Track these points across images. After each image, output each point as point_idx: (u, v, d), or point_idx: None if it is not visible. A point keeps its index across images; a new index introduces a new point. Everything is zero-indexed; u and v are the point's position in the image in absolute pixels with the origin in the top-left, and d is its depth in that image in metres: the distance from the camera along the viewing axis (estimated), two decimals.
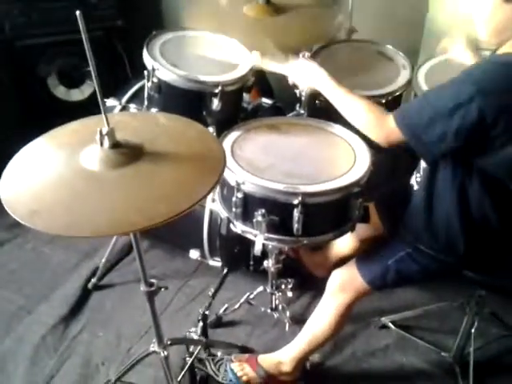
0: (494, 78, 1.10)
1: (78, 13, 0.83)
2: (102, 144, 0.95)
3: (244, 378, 1.57)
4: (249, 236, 1.38)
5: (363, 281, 1.39)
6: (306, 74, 1.44)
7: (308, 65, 1.45)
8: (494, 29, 1.16)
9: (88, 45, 0.85)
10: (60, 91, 2.65)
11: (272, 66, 1.54)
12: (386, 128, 1.20)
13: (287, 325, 1.78)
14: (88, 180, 0.94)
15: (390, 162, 1.86)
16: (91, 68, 0.88)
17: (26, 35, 2.42)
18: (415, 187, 1.38)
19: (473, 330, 1.58)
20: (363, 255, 1.46)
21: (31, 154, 1.02)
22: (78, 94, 2.68)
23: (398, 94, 1.73)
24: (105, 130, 0.94)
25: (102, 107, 0.94)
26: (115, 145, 0.96)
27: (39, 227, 0.85)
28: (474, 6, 1.17)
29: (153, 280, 1.21)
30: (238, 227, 1.40)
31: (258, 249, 1.34)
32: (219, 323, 1.83)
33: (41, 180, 0.95)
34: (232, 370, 1.57)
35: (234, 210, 1.36)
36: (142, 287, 1.20)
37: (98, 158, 0.95)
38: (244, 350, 1.71)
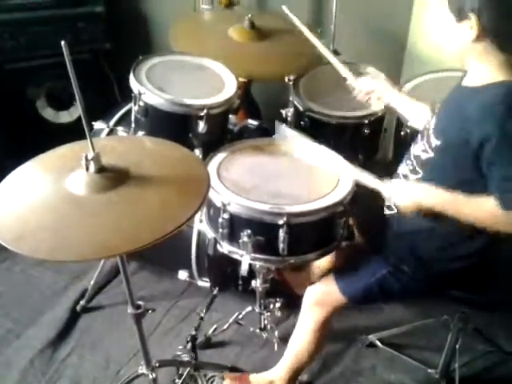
0: None
1: (62, 43, 0.86)
2: (87, 169, 0.97)
3: None
4: (235, 256, 1.40)
5: (342, 295, 1.39)
6: (407, 194, 1.25)
7: (407, 184, 1.30)
8: (452, 50, 1.19)
9: (73, 71, 0.88)
10: (49, 113, 2.66)
11: (369, 181, 1.35)
12: None
13: (276, 344, 1.78)
14: (73, 204, 0.95)
15: None
16: (76, 95, 0.90)
17: (15, 59, 2.45)
18: (390, 211, 1.39)
19: (457, 346, 1.59)
20: (342, 270, 1.45)
21: (18, 178, 1.04)
22: (67, 117, 2.70)
23: (380, 115, 1.78)
24: (90, 155, 0.96)
25: (87, 133, 0.96)
26: (101, 169, 0.98)
27: (25, 252, 0.86)
28: (438, 32, 1.21)
29: (140, 302, 1.22)
30: (225, 247, 1.41)
31: (244, 269, 1.36)
32: (208, 344, 1.83)
33: (27, 205, 0.96)
34: None
35: (220, 230, 1.38)
36: (130, 310, 1.21)
37: (83, 183, 0.97)
38: (233, 370, 1.71)
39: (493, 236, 1.16)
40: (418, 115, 1.47)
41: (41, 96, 2.61)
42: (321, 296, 1.44)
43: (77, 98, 0.91)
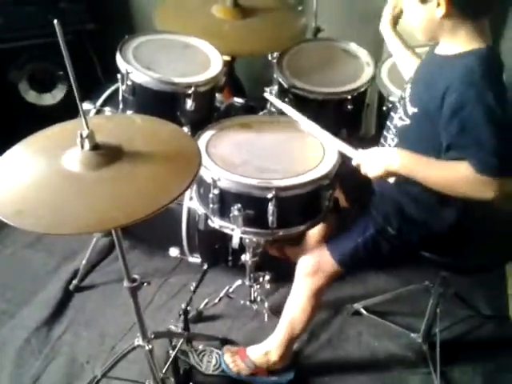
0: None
1: (55, 21, 0.87)
2: (82, 146, 0.99)
3: (235, 369, 1.64)
4: (226, 230, 1.44)
5: (333, 260, 1.43)
6: (376, 159, 1.26)
7: (381, 151, 1.30)
8: (420, 29, 1.21)
9: (66, 51, 0.89)
10: (31, 96, 2.65)
11: (342, 147, 1.38)
12: (495, 187, 1.10)
13: (266, 316, 1.84)
14: (70, 181, 0.98)
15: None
16: (70, 74, 0.92)
17: None
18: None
19: (438, 311, 1.66)
20: (334, 237, 1.49)
21: (14, 157, 1.06)
22: (50, 99, 2.69)
23: (362, 90, 1.82)
24: (85, 132, 0.98)
25: (81, 111, 0.99)
26: (95, 147, 1.00)
27: (25, 226, 0.89)
28: (405, 7, 1.24)
29: (135, 276, 1.25)
30: (216, 222, 1.45)
31: (235, 242, 1.41)
32: (200, 318, 1.88)
33: (24, 182, 0.99)
34: (225, 361, 1.64)
35: (211, 206, 1.42)
36: (125, 283, 1.24)
37: (78, 160, 1.00)
38: (225, 342, 1.77)
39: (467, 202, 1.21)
40: (407, 66, 1.51)
41: (23, 78, 2.59)
42: (313, 264, 1.47)
43: (70, 76, 0.94)
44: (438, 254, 1.42)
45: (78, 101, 0.96)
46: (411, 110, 1.25)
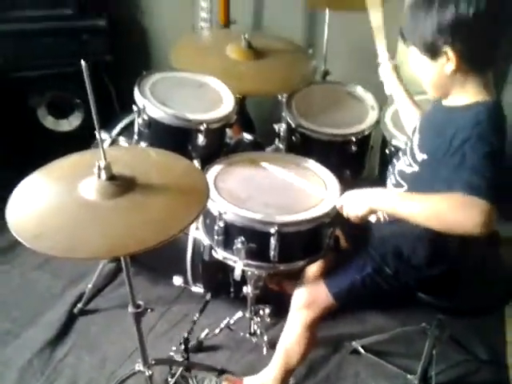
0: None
1: (83, 63, 0.95)
2: (99, 176, 1.06)
3: None
4: (229, 262, 1.49)
5: (329, 293, 1.45)
6: (357, 200, 1.30)
7: (359, 192, 1.33)
8: (432, 85, 1.25)
9: (91, 89, 0.97)
10: (49, 121, 2.76)
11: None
12: (483, 210, 1.06)
13: (265, 349, 1.86)
14: (86, 208, 1.05)
15: None
16: (92, 108, 1.00)
17: (19, 68, 2.54)
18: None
19: (434, 353, 1.68)
20: (331, 272, 1.52)
21: (34, 183, 1.13)
22: (66, 125, 2.79)
23: (366, 133, 1.89)
24: (102, 163, 1.05)
25: (100, 143, 1.06)
26: (111, 177, 1.07)
27: (42, 249, 0.95)
28: (414, 66, 1.27)
29: (140, 302, 1.30)
30: (220, 254, 1.51)
31: (237, 274, 1.45)
32: (200, 347, 1.90)
33: (43, 208, 1.05)
34: None
35: (215, 237, 1.48)
36: (130, 308, 1.29)
37: (95, 189, 1.06)
38: (223, 372, 1.79)
39: (463, 242, 1.25)
40: (408, 115, 1.57)
41: (42, 105, 2.70)
42: (308, 297, 1.50)
43: (92, 111, 1.01)
44: (435, 295, 1.45)
45: (98, 135, 1.04)
46: (420, 156, 1.29)
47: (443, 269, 1.41)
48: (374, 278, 1.44)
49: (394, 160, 1.44)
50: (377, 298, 1.53)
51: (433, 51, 1.18)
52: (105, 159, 1.06)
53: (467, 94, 1.21)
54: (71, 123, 2.79)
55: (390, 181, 1.42)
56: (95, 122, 1.04)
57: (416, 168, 1.31)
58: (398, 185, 1.38)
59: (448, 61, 1.16)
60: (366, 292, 1.45)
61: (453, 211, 1.09)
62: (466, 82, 1.20)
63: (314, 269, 1.74)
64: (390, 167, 1.46)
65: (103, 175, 1.06)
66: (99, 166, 1.05)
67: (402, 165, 1.37)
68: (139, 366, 1.42)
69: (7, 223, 1.00)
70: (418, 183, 1.31)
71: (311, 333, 1.53)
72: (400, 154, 1.43)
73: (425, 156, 1.28)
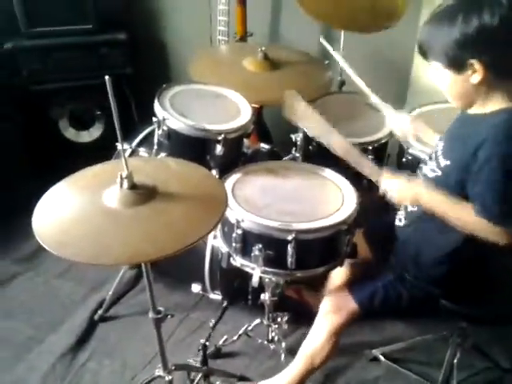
0: None
1: (106, 78, 1.00)
2: (121, 186, 1.10)
3: None
4: (247, 269, 1.52)
5: (353, 301, 1.49)
6: (407, 189, 1.38)
7: (407, 180, 1.39)
8: (457, 97, 1.27)
9: (115, 103, 1.01)
10: (70, 133, 2.83)
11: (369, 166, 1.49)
12: (503, 237, 1.21)
13: (283, 356, 1.86)
14: (109, 216, 1.08)
15: (376, 201, 2.00)
16: (116, 122, 1.04)
17: (41, 81, 2.62)
18: (401, 224, 1.52)
19: (455, 362, 1.67)
20: (355, 280, 1.58)
21: (58, 193, 1.17)
22: (87, 136, 2.87)
23: (383, 141, 1.91)
24: (124, 173, 1.09)
25: (122, 154, 1.10)
26: (133, 186, 1.11)
27: (68, 256, 0.99)
28: (436, 79, 1.28)
29: (160, 308, 1.33)
30: (238, 261, 1.53)
31: (255, 281, 1.48)
32: (218, 354, 1.92)
33: (68, 216, 1.09)
34: None
35: (233, 245, 1.50)
36: (151, 314, 1.32)
37: (117, 198, 1.10)
38: (242, 379, 1.81)
39: (486, 247, 1.25)
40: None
41: (64, 116, 2.78)
42: (335, 303, 1.54)
43: (116, 124, 1.05)
44: (458, 303, 1.45)
45: (120, 146, 1.08)
46: (444, 162, 1.32)
47: (465, 277, 1.41)
48: (395, 286, 1.46)
49: (422, 164, 1.48)
50: (400, 307, 1.53)
51: (458, 64, 1.18)
52: (127, 169, 1.10)
53: (492, 103, 1.23)
54: (92, 134, 2.87)
55: None
56: (118, 134, 1.08)
57: (439, 173, 1.34)
58: None
59: (474, 73, 1.17)
60: (388, 299, 1.47)
61: (479, 232, 1.23)
62: (490, 91, 1.21)
63: (336, 280, 1.77)
64: (417, 171, 1.49)
65: (125, 184, 1.09)
66: (121, 176, 1.09)
67: (427, 170, 1.40)
68: (159, 371, 1.44)
69: (32, 232, 1.04)
70: (441, 188, 1.33)
71: (336, 339, 1.55)
72: (427, 159, 1.46)
73: (448, 162, 1.31)
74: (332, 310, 1.54)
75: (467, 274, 1.42)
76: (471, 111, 1.30)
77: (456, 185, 1.29)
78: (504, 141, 1.16)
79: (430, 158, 1.42)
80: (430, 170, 1.39)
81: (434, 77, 1.28)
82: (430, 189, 1.33)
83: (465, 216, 1.25)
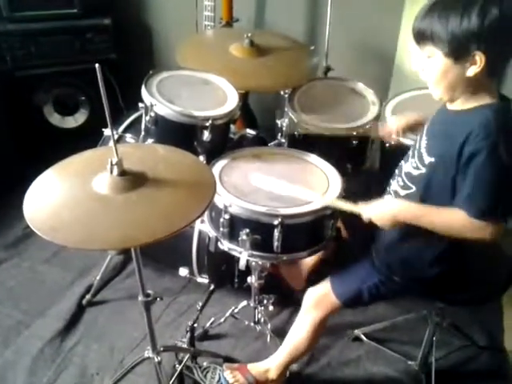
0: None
1: (97, 65, 1.01)
2: (111, 172, 1.12)
3: None
4: (234, 253, 1.55)
5: (336, 299, 1.51)
6: (383, 212, 1.35)
7: (382, 203, 1.38)
8: (446, 87, 1.22)
9: (104, 91, 1.02)
10: (55, 118, 2.82)
11: (347, 206, 1.45)
12: (492, 233, 1.21)
13: (269, 337, 1.91)
14: (99, 202, 1.10)
15: (362, 187, 2.05)
16: (106, 110, 1.05)
17: (25, 66, 2.60)
18: None
19: (434, 340, 1.73)
20: (337, 275, 1.56)
21: (49, 180, 1.18)
22: (72, 122, 2.86)
23: (368, 127, 1.94)
24: (114, 160, 1.11)
25: (113, 141, 1.12)
26: (122, 173, 1.12)
27: (59, 241, 1.01)
28: (421, 67, 1.25)
29: (149, 291, 1.36)
30: (225, 245, 1.57)
31: (242, 264, 1.51)
32: (205, 336, 1.96)
33: (58, 202, 1.11)
34: (225, 377, 1.72)
35: (221, 229, 1.54)
36: (140, 297, 1.35)
37: (107, 184, 1.12)
38: (228, 360, 1.85)
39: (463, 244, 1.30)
40: None
41: (48, 102, 2.76)
42: (318, 298, 1.56)
43: (106, 111, 1.07)
44: (442, 292, 1.48)
45: (111, 133, 1.09)
46: (428, 159, 1.30)
47: (447, 268, 1.42)
48: (379, 288, 1.47)
49: (402, 162, 1.45)
50: (385, 299, 1.57)
51: (460, 54, 1.15)
52: (117, 156, 1.11)
53: (474, 99, 1.22)
54: (77, 120, 2.86)
55: (397, 182, 1.42)
56: (108, 121, 1.09)
57: (423, 170, 1.32)
58: (405, 187, 1.39)
59: (473, 64, 1.15)
60: (373, 298, 1.49)
61: (466, 233, 1.23)
62: (478, 87, 1.20)
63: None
64: (397, 169, 1.46)
65: (115, 171, 1.11)
66: (111, 162, 1.10)
67: (409, 167, 1.37)
68: (148, 353, 1.48)
69: (16, 218, 1.06)
70: (426, 186, 1.33)
71: (321, 328, 1.60)
72: (408, 156, 1.42)
73: (432, 159, 1.29)
74: (314, 306, 1.57)
75: (455, 269, 1.44)
76: (451, 107, 1.29)
77: (441, 181, 1.28)
78: (490, 136, 1.16)
79: (412, 156, 1.39)
80: (413, 167, 1.37)
81: (421, 63, 1.24)
82: (406, 203, 1.33)
83: (452, 217, 1.24)
